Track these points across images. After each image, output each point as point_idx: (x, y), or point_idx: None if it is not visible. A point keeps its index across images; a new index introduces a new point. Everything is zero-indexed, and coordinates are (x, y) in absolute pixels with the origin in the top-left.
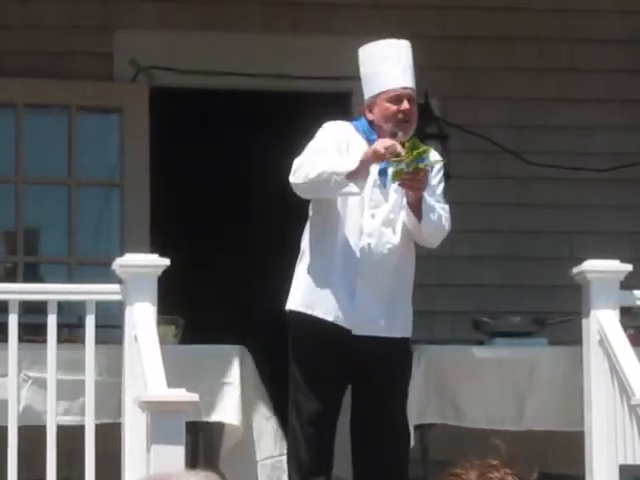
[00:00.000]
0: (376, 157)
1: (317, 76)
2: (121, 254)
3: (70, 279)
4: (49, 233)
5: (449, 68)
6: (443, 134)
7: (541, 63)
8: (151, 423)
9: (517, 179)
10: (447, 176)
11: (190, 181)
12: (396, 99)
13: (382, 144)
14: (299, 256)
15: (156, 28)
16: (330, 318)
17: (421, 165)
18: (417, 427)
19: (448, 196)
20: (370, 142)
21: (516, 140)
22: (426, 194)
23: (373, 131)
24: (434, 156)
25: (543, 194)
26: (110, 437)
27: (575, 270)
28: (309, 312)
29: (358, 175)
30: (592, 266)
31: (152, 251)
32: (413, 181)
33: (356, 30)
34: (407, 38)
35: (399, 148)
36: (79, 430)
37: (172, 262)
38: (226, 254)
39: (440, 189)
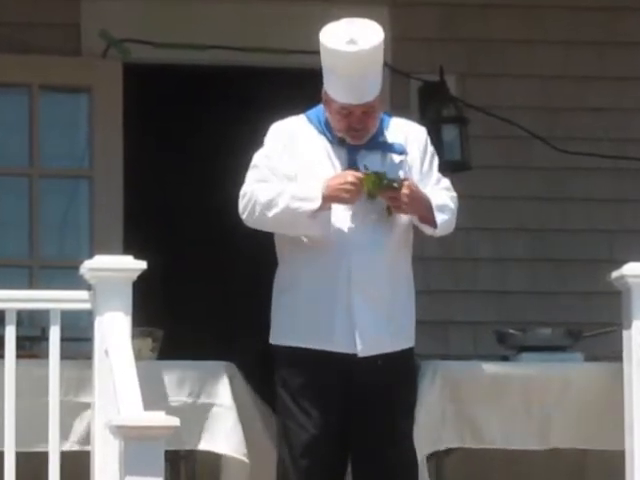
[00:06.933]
0: (341, 201)
1: (314, 50)
2: (90, 256)
3: (31, 285)
4: (7, 231)
5: (468, 41)
6: (461, 117)
7: (574, 35)
8: (125, 451)
9: (547, 169)
10: (466, 166)
11: (170, 171)
12: (346, 112)
13: (343, 190)
14: (277, 272)
15: None
16: (327, 347)
17: (386, 184)
18: (431, 456)
19: (467, 189)
20: (323, 134)
21: (546, 124)
22: (428, 189)
23: (327, 125)
24: (392, 168)
25: (577, 187)
26: (78, 466)
27: (614, 274)
28: (300, 345)
29: (321, 210)
30: (634, 270)
31: (126, 253)
32: (398, 202)
33: None
34: (418, 5)
35: (356, 181)
36: (42, 458)
37: (149, 265)
38: (211, 256)
39: (435, 167)
